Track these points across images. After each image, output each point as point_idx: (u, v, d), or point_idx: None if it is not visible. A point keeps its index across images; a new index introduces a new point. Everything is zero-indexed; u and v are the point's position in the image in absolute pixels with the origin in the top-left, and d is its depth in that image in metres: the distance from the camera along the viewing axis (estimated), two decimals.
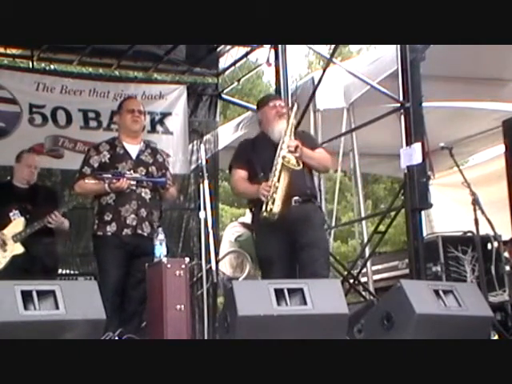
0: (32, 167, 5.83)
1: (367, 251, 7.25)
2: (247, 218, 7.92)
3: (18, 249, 5.52)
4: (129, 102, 5.49)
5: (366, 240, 7.64)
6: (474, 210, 5.33)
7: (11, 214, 5.58)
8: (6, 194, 5.75)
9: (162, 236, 4.69)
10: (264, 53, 7.92)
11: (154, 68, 8.21)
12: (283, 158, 4.80)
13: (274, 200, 4.76)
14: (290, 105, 5.21)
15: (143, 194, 5.12)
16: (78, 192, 5.31)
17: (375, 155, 9.16)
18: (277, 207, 4.76)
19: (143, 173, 5.17)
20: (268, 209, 4.76)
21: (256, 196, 4.86)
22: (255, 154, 5.05)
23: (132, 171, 5.12)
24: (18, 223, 5.58)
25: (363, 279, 7.22)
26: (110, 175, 5.04)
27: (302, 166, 4.82)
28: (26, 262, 5.51)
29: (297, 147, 4.83)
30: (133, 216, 5.06)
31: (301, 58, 19.36)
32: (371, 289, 7.05)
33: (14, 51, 7.72)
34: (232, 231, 7.84)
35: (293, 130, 4.97)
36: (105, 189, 5.04)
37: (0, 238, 5.52)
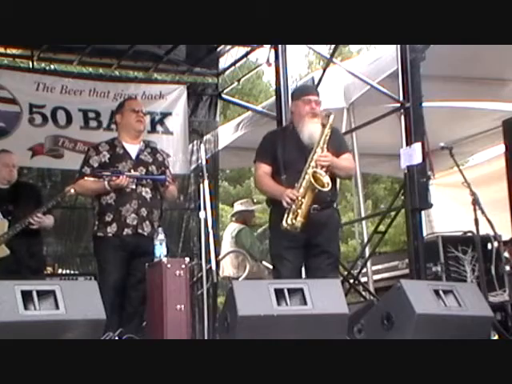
0: (10, 166, 5.73)
1: (367, 251, 7.25)
2: (239, 206, 7.98)
3: (3, 251, 5.44)
4: (132, 102, 5.49)
5: (366, 240, 7.64)
6: (474, 210, 5.33)
7: None
8: None
9: (162, 236, 4.69)
10: (264, 53, 7.92)
11: (154, 68, 8.21)
12: (313, 175, 4.68)
13: (297, 215, 4.68)
14: (326, 113, 4.94)
15: (144, 194, 5.12)
16: (79, 192, 5.31)
17: (375, 155, 9.16)
18: (299, 223, 4.68)
19: (143, 172, 5.17)
20: (290, 222, 4.69)
21: (279, 198, 4.76)
22: (281, 149, 4.90)
23: (132, 170, 5.12)
24: (0, 226, 5.51)
25: (363, 279, 7.22)
26: (109, 173, 5.04)
27: (329, 187, 4.69)
28: (11, 263, 5.42)
29: (328, 166, 4.73)
30: (133, 215, 5.05)
31: (301, 58, 19.39)
32: (371, 289, 7.05)
33: (14, 51, 7.72)
34: (230, 229, 7.88)
35: (326, 140, 4.80)
36: (105, 186, 5.03)
37: None
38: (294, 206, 4.69)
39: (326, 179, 4.71)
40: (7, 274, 5.08)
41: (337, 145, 4.96)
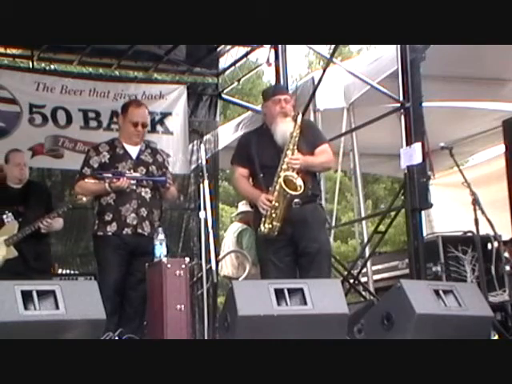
0: (21, 165, 5.75)
1: (367, 251, 7.24)
2: (243, 206, 7.98)
3: (11, 253, 5.47)
4: (134, 111, 5.25)
5: (366, 240, 7.63)
6: (474, 210, 5.33)
7: (4, 217, 5.52)
8: None
9: (162, 236, 4.69)
10: (264, 53, 7.92)
11: (154, 68, 8.21)
12: (284, 179, 4.71)
13: (272, 219, 4.74)
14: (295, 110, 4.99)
15: (143, 194, 5.12)
16: (79, 192, 5.30)
17: (375, 155, 9.15)
18: (276, 227, 4.75)
19: (143, 172, 5.18)
20: (267, 226, 4.76)
21: (255, 203, 4.84)
22: (256, 150, 4.95)
23: (132, 171, 5.12)
24: (10, 226, 5.52)
25: (363, 279, 7.21)
26: (110, 174, 5.04)
27: (302, 190, 4.71)
28: (18, 264, 5.45)
29: (299, 170, 4.75)
30: (133, 215, 5.06)
31: (301, 58, 19.40)
32: (371, 289, 7.04)
33: (14, 51, 7.72)
34: (233, 229, 7.88)
35: (296, 141, 4.82)
36: (105, 188, 5.04)
37: None
38: (268, 211, 4.74)
39: (299, 182, 4.73)
40: (14, 275, 5.09)
41: (311, 140, 4.97)
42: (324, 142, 5.11)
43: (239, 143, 5.22)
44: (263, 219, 4.77)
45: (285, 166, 4.76)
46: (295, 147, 4.82)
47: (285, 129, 4.87)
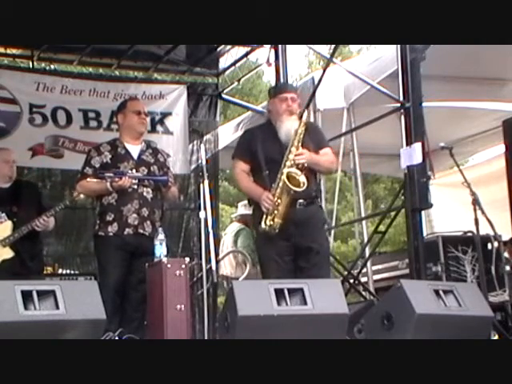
0: (10, 162, 5.67)
1: (367, 251, 7.24)
2: (242, 208, 7.98)
3: (7, 253, 5.43)
4: (134, 102, 5.47)
5: (366, 240, 7.63)
6: (474, 210, 5.33)
7: None
8: None
9: (162, 236, 4.69)
10: (264, 53, 7.92)
11: (154, 68, 8.20)
12: (288, 175, 4.71)
13: (274, 216, 4.74)
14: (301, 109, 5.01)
15: (145, 194, 5.12)
16: (81, 192, 5.31)
17: (375, 155, 9.16)
18: (277, 224, 4.74)
19: (145, 172, 5.18)
20: (268, 223, 4.75)
21: (257, 200, 4.83)
22: (260, 146, 4.93)
23: (134, 171, 5.12)
24: (5, 227, 5.48)
25: (363, 279, 7.21)
26: (111, 174, 5.04)
27: (305, 186, 4.71)
28: (15, 265, 5.42)
29: (304, 163, 4.76)
30: (134, 215, 5.06)
31: (301, 58, 19.39)
32: (371, 289, 7.04)
33: (14, 51, 7.71)
34: (231, 229, 7.88)
35: (301, 138, 4.82)
36: (107, 188, 5.04)
37: None
38: (271, 208, 4.73)
39: (302, 178, 4.73)
40: (13, 275, 5.09)
41: (316, 141, 4.99)
42: (328, 146, 5.15)
43: (243, 138, 5.21)
44: (264, 217, 4.77)
45: (288, 163, 4.76)
46: (299, 144, 4.82)
47: (289, 127, 4.87)
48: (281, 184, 4.74)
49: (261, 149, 4.92)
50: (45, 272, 6.34)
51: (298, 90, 5.31)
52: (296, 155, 4.77)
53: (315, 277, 4.63)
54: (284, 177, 4.72)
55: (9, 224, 5.50)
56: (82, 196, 5.26)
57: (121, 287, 5.00)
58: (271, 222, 4.75)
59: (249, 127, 8.27)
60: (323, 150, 5.02)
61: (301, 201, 4.81)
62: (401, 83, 6.28)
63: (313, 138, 4.97)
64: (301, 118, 4.89)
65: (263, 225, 4.77)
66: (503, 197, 6.32)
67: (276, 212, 4.74)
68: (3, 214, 5.50)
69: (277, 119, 4.98)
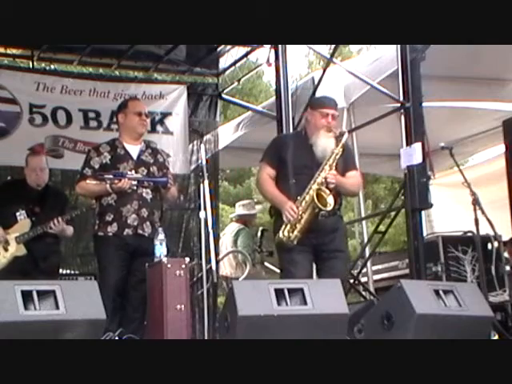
0: (37, 170, 5.78)
1: (367, 251, 7.25)
2: (240, 208, 7.98)
3: (20, 250, 5.53)
4: (136, 103, 5.44)
5: (366, 240, 7.64)
6: (474, 210, 5.33)
7: (18, 214, 5.58)
8: (17, 193, 5.75)
9: (162, 236, 4.69)
10: (264, 53, 7.92)
11: (154, 68, 8.20)
12: (317, 193, 4.70)
13: (294, 229, 4.72)
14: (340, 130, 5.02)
15: (144, 194, 5.12)
16: (80, 193, 5.32)
17: (375, 155, 9.16)
18: (295, 237, 4.72)
19: (144, 173, 5.18)
20: (287, 234, 4.74)
21: (280, 208, 4.79)
22: (290, 154, 4.90)
23: (133, 171, 5.12)
24: (23, 224, 5.58)
25: (363, 279, 7.22)
26: (111, 176, 5.04)
27: (331, 207, 4.71)
28: (26, 263, 5.51)
29: (333, 186, 4.75)
30: (134, 216, 5.06)
31: (301, 58, 19.36)
32: (371, 289, 7.05)
33: (14, 51, 7.71)
34: (230, 229, 7.89)
35: (336, 158, 4.81)
36: (106, 189, 5.04)
37: (3, 237, 5.53)
38: (292, 219, 4.71)
39: (330, 199, 4.72)
40: (22, 275, 5.12)
41: (345, 162, 4.98)
42: (356, 168, 5.16)
43: (274, 143, 5.16)
44: (284, 226, 4.75)
45: (319, 180, 4.75)
46: (334, 163, 4.81)
47: (326, 144, 4.85)
48: (307, 198, 4.72)
49: (291, 157, 4.89)
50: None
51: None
52: (329, 175, 4.76)
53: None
54: (314, 193, 4.70)
55: (27, 222, 5.60)
56: (94, 202, 5.25)
57: (121, 287, 5.00)
58: (290, 234, 4.73)
59: (248, 127, 8.31)
60: (351, 172, 5.01)
61: (323, 212, 4.78)
62: (401, 83, 6.29)
63: (344, 159, 4.95)
64: (340, 138, 4.86)
65: (281, 234, 4.75)
66: (503, 197, 6.33)
67: (297, 225, 4.72)
68: (23, 211, 5.57)
69: (313, 132, 4.94)
